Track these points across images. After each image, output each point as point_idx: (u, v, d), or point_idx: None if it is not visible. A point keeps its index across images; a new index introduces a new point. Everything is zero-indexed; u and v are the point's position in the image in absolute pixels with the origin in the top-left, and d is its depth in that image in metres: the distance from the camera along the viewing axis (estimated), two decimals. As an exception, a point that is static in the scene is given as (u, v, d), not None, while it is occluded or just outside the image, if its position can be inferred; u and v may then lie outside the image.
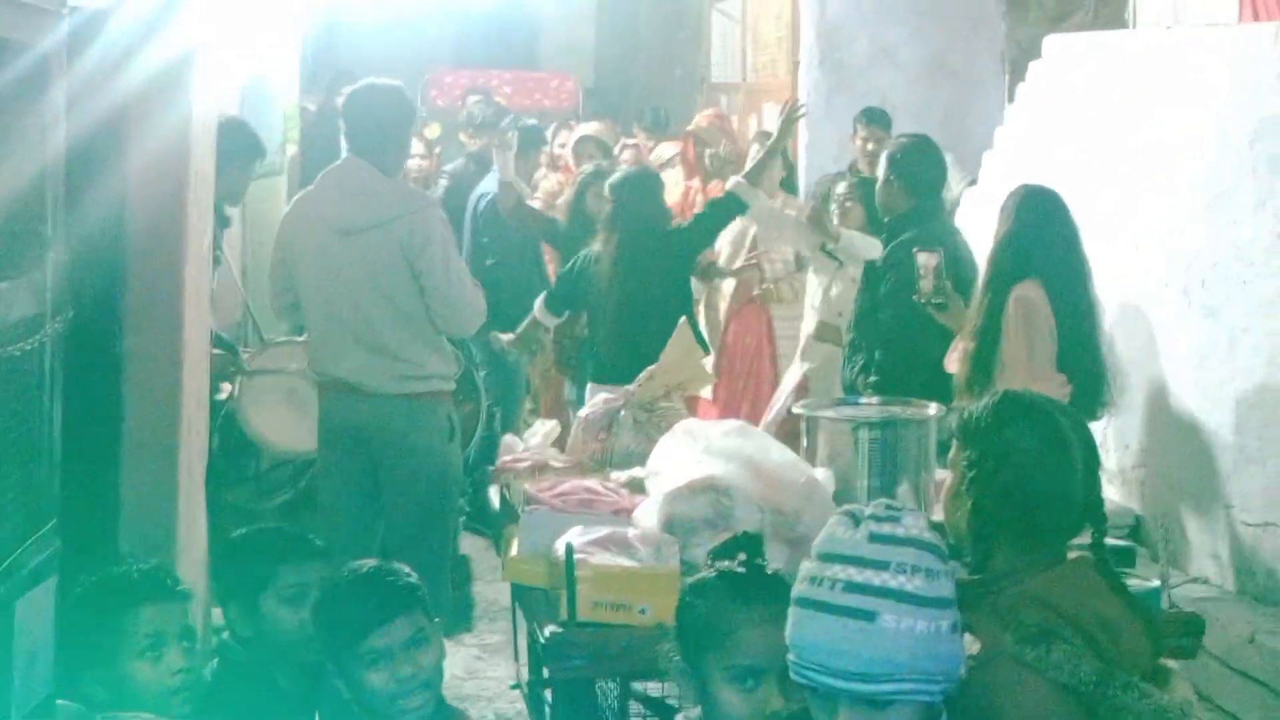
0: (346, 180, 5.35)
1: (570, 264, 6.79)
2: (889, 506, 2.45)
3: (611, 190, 6.64)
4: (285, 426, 5.96)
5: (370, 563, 3.34)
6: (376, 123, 5.35)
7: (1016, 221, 5.20)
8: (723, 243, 7.65)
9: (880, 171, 6.05)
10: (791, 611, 2.42)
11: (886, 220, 6.07)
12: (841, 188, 7.25)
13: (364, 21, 14.88)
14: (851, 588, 2.36)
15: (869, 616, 2.33)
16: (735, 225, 7.33)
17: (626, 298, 6.44)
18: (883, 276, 5.87)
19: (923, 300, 5.38)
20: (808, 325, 7.21)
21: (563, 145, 9.94)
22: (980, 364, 5.14)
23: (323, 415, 5.45)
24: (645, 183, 6.77)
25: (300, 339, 6.14)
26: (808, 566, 2.45)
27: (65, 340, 3.98)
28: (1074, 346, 5.15)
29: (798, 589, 2.44)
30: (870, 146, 8.43)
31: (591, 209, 7.20)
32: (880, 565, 2.36)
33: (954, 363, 5.37)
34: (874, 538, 2.39)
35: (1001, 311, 5.12)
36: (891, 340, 5.82)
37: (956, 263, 5.62)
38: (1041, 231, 5.18)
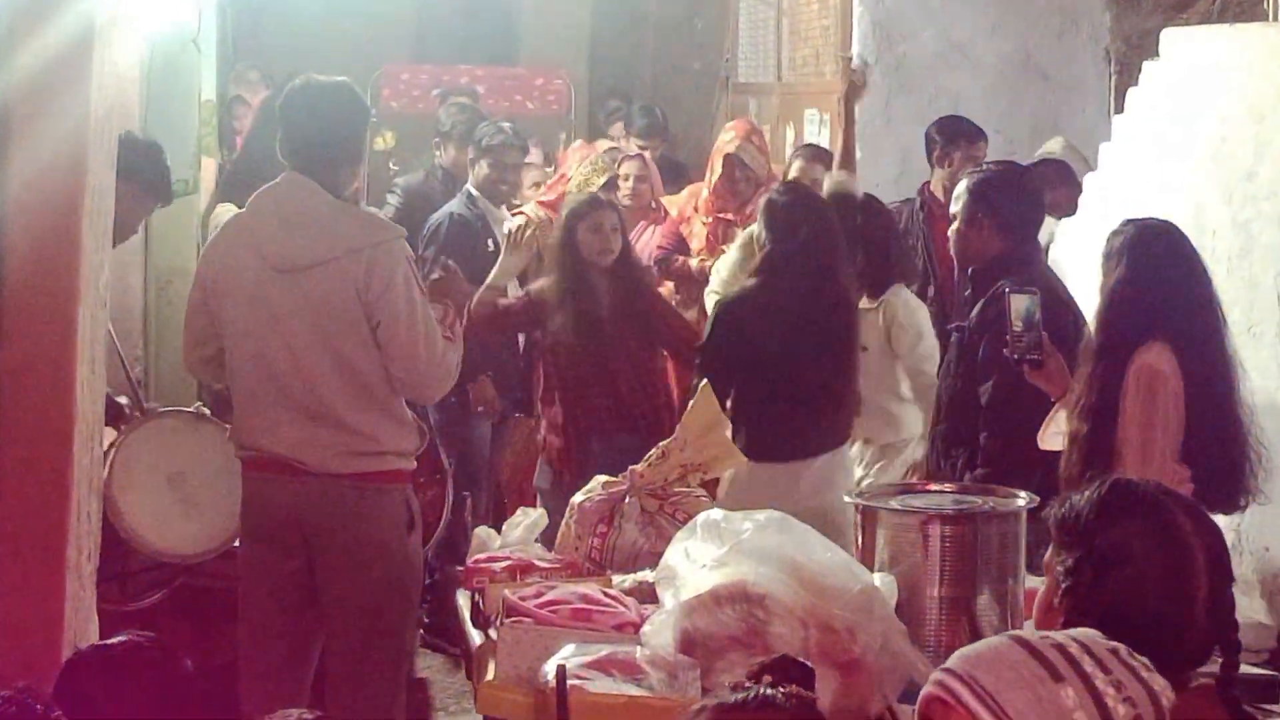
0: (286, 204, 5.36)
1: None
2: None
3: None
4: (167, 523, 5.95)
5: None
6: (322, 131, 5.36)
7: (1130, 268, 5.19)
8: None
9: (957, 207, 6.06)
10: None
11: (969, 272, 6.09)
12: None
13: (300, 3, 14.96)
14: None
15: None
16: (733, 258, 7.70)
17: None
18: (975, 342, 5.86)
19: (1015, 355, 5.37)
20: None
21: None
22: (1093, 451, 5.10)
23: (248, 499, 5.45)
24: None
25: (189, 409, 6.15)
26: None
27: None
28: (1209, 426, 5.14)
29: None
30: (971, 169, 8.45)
31: (586, 248, 7.21)
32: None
33: (1049, 439, 5.37)
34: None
35: (1119, 384, 5.12)
36: (997, 417, 5.80)
37: (1056, 314, 5.61)
38: (1164, 280, 5.18)
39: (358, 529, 5.30)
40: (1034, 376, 5.41)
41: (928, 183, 8.59)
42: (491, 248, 8.22)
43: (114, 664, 3.61)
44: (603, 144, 9.39)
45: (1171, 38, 7.75)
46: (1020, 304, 5.32)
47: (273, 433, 5.31)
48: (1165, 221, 5.42)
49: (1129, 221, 5.41)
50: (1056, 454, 5.31)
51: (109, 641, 3.78)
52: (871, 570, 4.27)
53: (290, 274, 5.26)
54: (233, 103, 12.00)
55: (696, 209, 8.93)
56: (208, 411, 6.42)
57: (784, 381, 6.32)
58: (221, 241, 5.54)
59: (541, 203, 8.87)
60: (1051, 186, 8.78)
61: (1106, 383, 5.13)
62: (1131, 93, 7.94)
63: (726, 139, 8.95)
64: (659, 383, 7.34)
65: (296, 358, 5.26)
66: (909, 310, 7.05)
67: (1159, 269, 5.19)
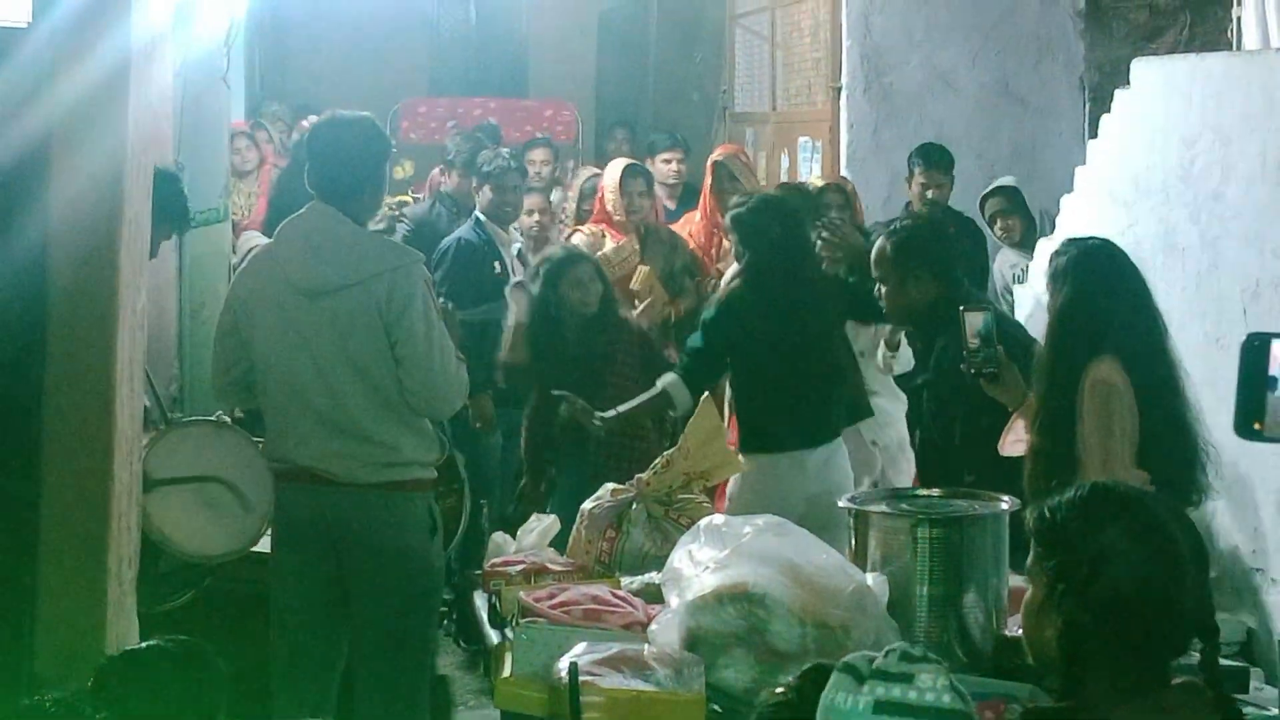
0: (312, 232, 5.37)
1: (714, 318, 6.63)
2: (904, 656, 2.42)
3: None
4: (193, 525, 5.93)
5: None
6: (346, 162, 5.37)
7: (1076, 287, 5.16)
8: None
9: (881, 272, 5.97)
10: None
11: (914, 324, 6.10)
12: (834, 197, 7.58)
13: (322, 42, 15.00)
14: None
15: None
16: None
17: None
18: (943, 388, 5.84)
19: (972, 370, 5.36)
20: None
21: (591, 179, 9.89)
22: (1053, 463, 5.07)
23: (280, 510, 5.46)
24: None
25: (211, 418, 6.15)
26: None
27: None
28: (1161, 431, 5.14)
29: None
30: (931, 193, 8.53)
31: (570, 300, 7.20)
32: None
33: (1009, 447, 5.35)
34: (879, 708, 2.37)
35: (1073, 398, 5.10)
36: (967, 438, 5.75)
37: (1007, 329, 5.58)
38: (1109, 296, 5.16)
39: (384, 535, 5.30)
40: (991, 389, 5.39)
41: (909, 203, 8.68)
42: (498, 270, 8.26)
43: (145, 668, 3.60)
44: (614, 165, 9.33)
45: (1142, 67, 7.75)
46: (975, 320, 5.31)
47: (302, 446, 5.32)
48: (1105, 240, 5.41)
49: (1070, 242, 5.40)
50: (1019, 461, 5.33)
51: (139, 646, 3.77)
52: (864, 570, 4.27)
53: (316, 297, 5.27)
54: (253, 128, 12.00)
55: (691, 235, 8.95)
56: (229, 420, 6.42)
57: (774, 375, 6.31)
58: (251, 268, 5.56)
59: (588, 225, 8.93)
60: (1004, 214, 8.85)
61: (1061, 397, 5.11)
62: (1104, 119, 7.95)
63: (715, 154, 9.05)
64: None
65: (323, 375, 5.27)
66: None
67: (1103, 286, 5.17)
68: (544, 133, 14.05)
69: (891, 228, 6.20)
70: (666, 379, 6.41)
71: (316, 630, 5.41)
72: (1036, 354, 5.31)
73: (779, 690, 2.83)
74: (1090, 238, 5.43)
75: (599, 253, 8.32)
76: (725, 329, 6.40)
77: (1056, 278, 5.23)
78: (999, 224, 8.86)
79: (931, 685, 2.36)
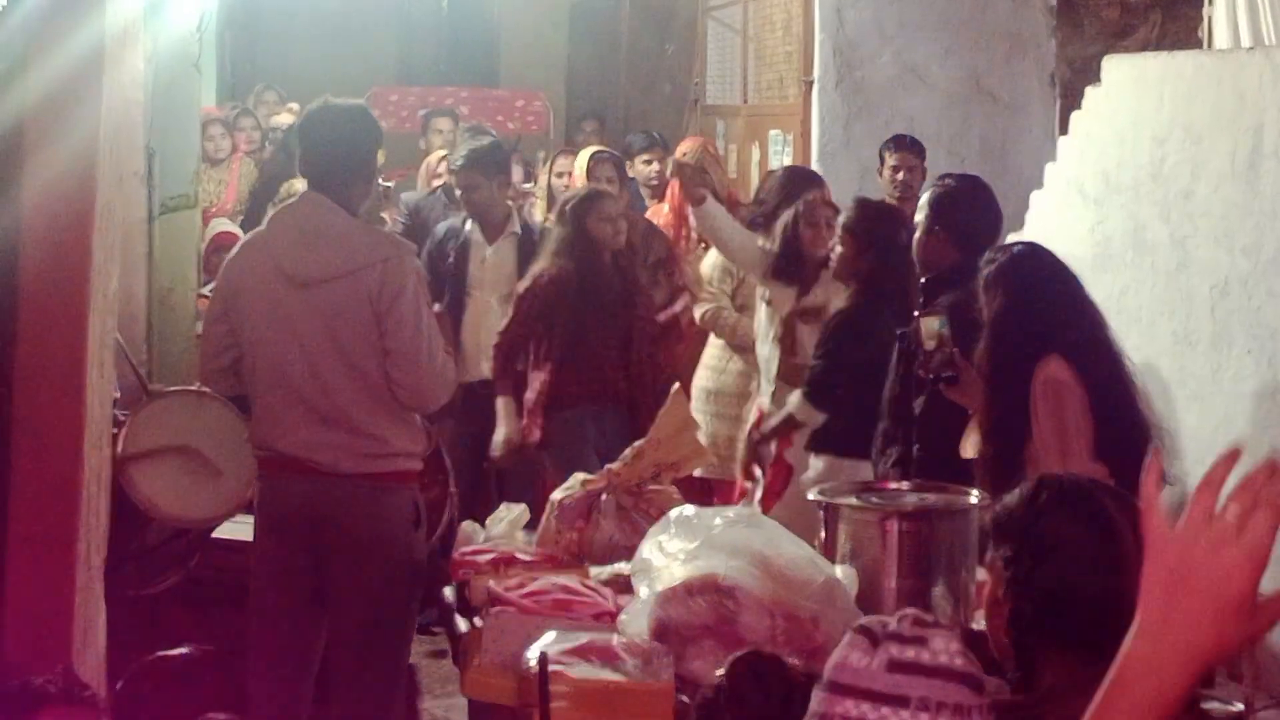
0: (305, 220, 5.37)
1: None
2: (917, 621, 2.45)
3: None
4: (179, 489, 5.95)
5: None
6: (338, 150, 5.37)
7: (1010, 293, 5.16)
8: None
9: (920, 218, 6.08)
10: None
11: (924, 279, 6.08)
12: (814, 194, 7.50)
13: (293, 29, 14.97)
14: None
15: None
16: (715, 259, 7.86)
17: None
18: (914, 353, 5.85)
19: (929, 375, 5.39)
20: (768, 366, 7.20)
21: (560, 174, 9.92)
22: (1000, 468, 5.05)
23: (262, 497, 5.46)
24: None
25: (192, 388, 6.17)
26: (817, 699, 2.47)
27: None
28: (1115, 422, 5.16)
29: None
30: (902, 176, 8.50)
31: (600, 236, 7.28)
32: (899, 702, 2.38)
33: (970, 447, 5.37)
34: (894, 665, 2.40)
35: (1025, 404, 5.10)
36: (929, 432, 5.75)
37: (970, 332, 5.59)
38: (1045, 298, 5.18)
39: (367, 526, 5.30)
40: (950, 393, 5.41)
41: (883, 199, 8.66)
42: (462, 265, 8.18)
43: (172, 673, 3.62)
44: (585, 152, 9.34)
45: (1113, 64, 7.79)
46: (930, 325, 5.35)
47: (288, 434, 5.31)
48: (1031, 243, 5.47)
49: (998, 249, 5.44)
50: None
51: (168, 653, 3.79)
52: (834, 563, 4.29)
53: (307, 286, 5.27)
54: (239, 115, 11.94)
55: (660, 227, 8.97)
56: (208, 390, 6.45)
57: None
58: (242, 255, 5.54)
59: None
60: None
61: (1008, 403, 5.12)
62: (1075, 115, 7.99)
63: (684, 146, 9.14)
64: (645, 366, 7.43)
65: (312, 364, 5.27)
66: None
67: (1038, 288, 5.19)
68: (515, 123, 14.05)
69: (934, 184, 6.37)
70: (794, 402, 6.50)
71: (295, 617, 5.40)
72: (976, 362, 5.31)
73: (711, 684, 2.86)
74: (1016, 243, 5.49)
75: None
76: (857, 346, 6.43)
77: (988, 287, 5.22)
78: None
79: (944, 648, 2.39)
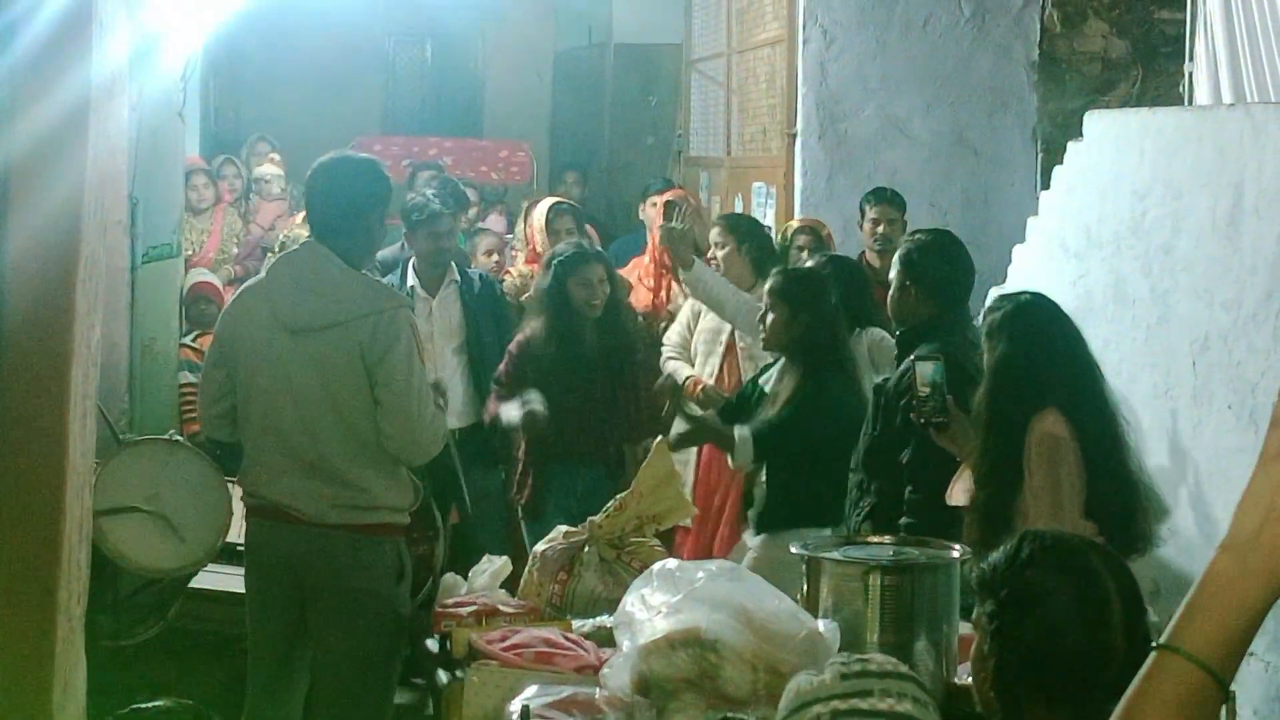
0: (302, 270, 5.41)
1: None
2: (853, 657, 2.54)
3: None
4: (149, 540, 5.95)
5: None
6: (339, 201, 5.43)
7: (1013, 342, 5.20)
8: (696, 341, 7.90)
9: (893, 274, 6.11)
10: None
11: (899, 332, 6.12)
12: (803, 239, 7.78)
13: (278, 78, 14.99)
14: (839, 716, 2.45)
15: None
16: (709, 322, 7.74)
17: None
18: (895, 404, 5.87)
19: (921, 420, 5.41)
20: None
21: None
22: (992, 515, 5.10)
23: (249, 542, 5.51)
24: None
25: (164, 437, 6.19)
26: None
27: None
28: (1107, 481, 5.18)
29: None
30: (882, 229, 8.53)
31: (576, 299, 7.25)
32: (862, 693, 2.45)
33: (957, 496, 5.39)
34: (845, 675, 2.49)
35: (1019, 453, 5.13)
36: (919, 477, 5.77)
37: (971, 384, 5.60)
38: (1048, 349, 5.21)
39: (350, 577, 5.32)
40: (940, 439, 5.43)
41: (864, 251, 8.70)
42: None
43: None
44: (544, 203, 9.38)
45: (1094, 119, 7.83)
46: (925, 370, 5.38)
47: (275, 482, 5.35)
48: (1037, 293, 5.47)
49: (1003, 298, 5.47)
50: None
51: (143, 705, 3.78)
52: (816, 617, 4.29)
53: (301, 334, 5.30)
54: (222, 164, 11.94)
55: (640, 278, 8.98)
56: (180, 439, 6.44)
57: None
58: (240, 302, 5.59)
59: (519, 266, 8.97)
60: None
61: (1003, 451, 5.15)
62: (1056, 170, 8.02)
63: (664, 196, 9.31)
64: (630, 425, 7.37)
65: (301, 413, 5.29)
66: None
67: (1041, 340, 5.22)
68: (499, 173, 14.08)
69: (907, 238, 6.42)
70: (743, 435, 6.42)
71: (280, 663, 5.46)
72: (974, 408, 5.34)
73: None
74: (1022, 292, 5.50)
75: (526, 295, 8.35)
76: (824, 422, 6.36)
77: (991, 334, 5.28)
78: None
79: (885, 660, 2.54)
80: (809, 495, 6.17)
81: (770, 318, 6.36)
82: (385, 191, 5.60)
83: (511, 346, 7.40)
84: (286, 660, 5.46)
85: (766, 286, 6.61)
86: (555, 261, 7.34)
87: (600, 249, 8.08)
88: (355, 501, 5.30)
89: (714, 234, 8.01)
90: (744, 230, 8.02)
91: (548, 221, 8.85)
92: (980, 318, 5.42)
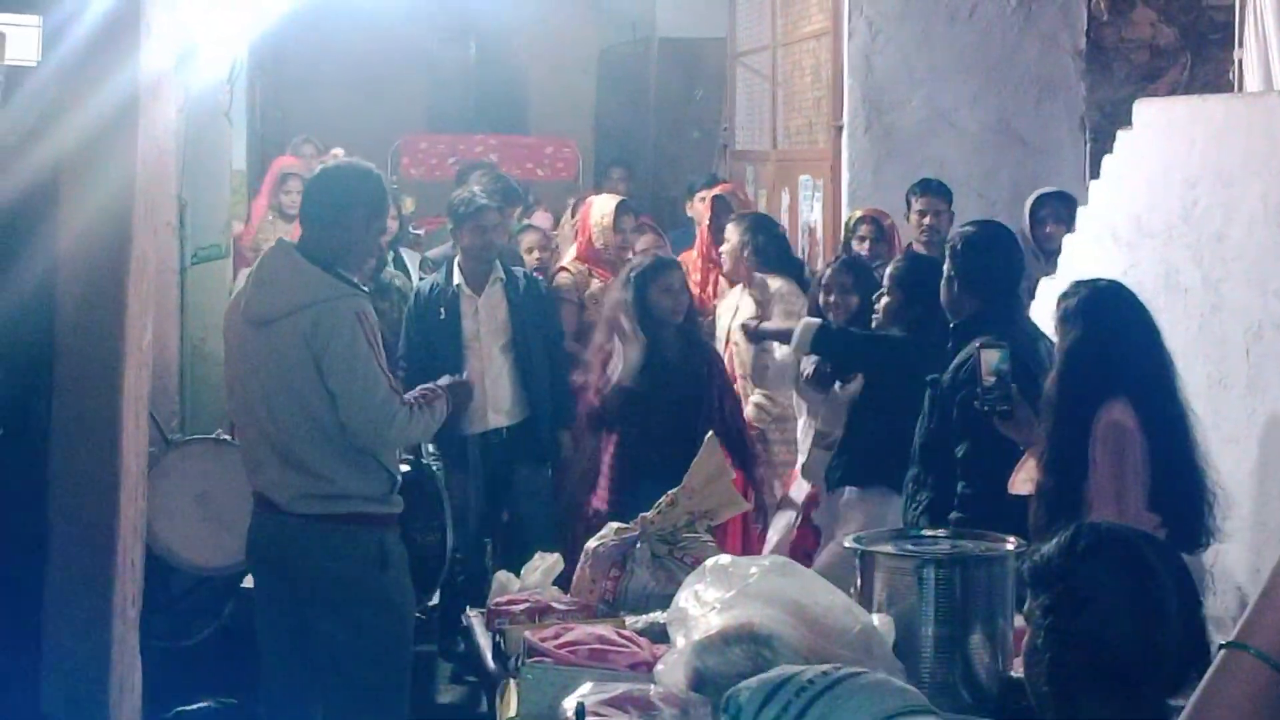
0: (264, 265, 5.53)
1: None
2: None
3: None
4: (198, 537, 5.99)
5: None
6: (321, 200, 5.50)
7: (1087, 329, 5.18)
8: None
9: (945, 266, 6.10)
10: None
11: (952, 326, 6.09)
12: (865, 228, 8.10)
13: (323, 79, 15.02)
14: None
15: None
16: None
17: None
18: (950, 397, 5.84)
19: (985, 407, 5.37)
20: (804, 436, 7.34)
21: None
22: (1058, 503, 5.09)
23: (248, 533, 5.56)
24: None
25: (210, 436, 6.25)
26: None
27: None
28: (1171, 474, 5.15)
29: None
30: (929, 220, 8.52)
31: (660, 307, 7.24)
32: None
33: (1020, 484, 5.37)
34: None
35: (1086, 441, 5.12)
36: (974, 469, 5.76)
37: (1035, 375, 5.57)
38: (1120, 338, 5.18)
39: (327, 567, 5.38)
40: (1004, 427, 5.40)
41: (910, 243, 8.67)
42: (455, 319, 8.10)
43: None
44: (606, 200, 9.33)
45: (1143, 107, 7.78)
46: (990, 358, 5.33)
47: (257, 473, 5.44)
48: (1114, 282, 5.44)
49: (1079, 283, 5.42)
50: (1027, 500, 5.33)
51: (187, 708, 3.80)
52: (870, 611, 4.28)
53: (259, 327, 5.38)
54: (287, 178, 11.96)
55: (688, 272, 8.97)
56: (228, 438, 6.48)
57: None
58: (232, 299, 5.71)
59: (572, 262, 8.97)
60: (1056, 219, 8.78)
61: (1070, 439, 5.13)
62: (1106, 159, 7.98)
63: (713, 190, 9.35)
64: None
65: (270, 405, 5.36)
66: None
67: (1115, 328, 5.20)
68: (545, 170, 14.08)
69: (956, 231, 6.47)
70: (806, 329, 6.72)
71: (284, 655, 5.50)
72: (1044, 393, 5.31)
73: None
74: (1099, 279, 5.45)
75: (587, 291, 8.35)
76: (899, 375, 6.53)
77: (1066, 319, 5.25)
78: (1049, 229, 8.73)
79: None
80: (888, 451, 6.31)
81: (884, 300, 6.53)
82: (371, 193, 5.58)
83: (601, 398, 7.38)
84: (290, 658, 5.49)
85: (889, 269, 6.76)
86: (634, 274, 7.33)
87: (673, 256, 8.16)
88: (321, 490, 5.34)
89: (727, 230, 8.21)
90: (750, 225, 8.13)
91: (616, 219, 8.84)
92: (1054, 303, 5.39)
